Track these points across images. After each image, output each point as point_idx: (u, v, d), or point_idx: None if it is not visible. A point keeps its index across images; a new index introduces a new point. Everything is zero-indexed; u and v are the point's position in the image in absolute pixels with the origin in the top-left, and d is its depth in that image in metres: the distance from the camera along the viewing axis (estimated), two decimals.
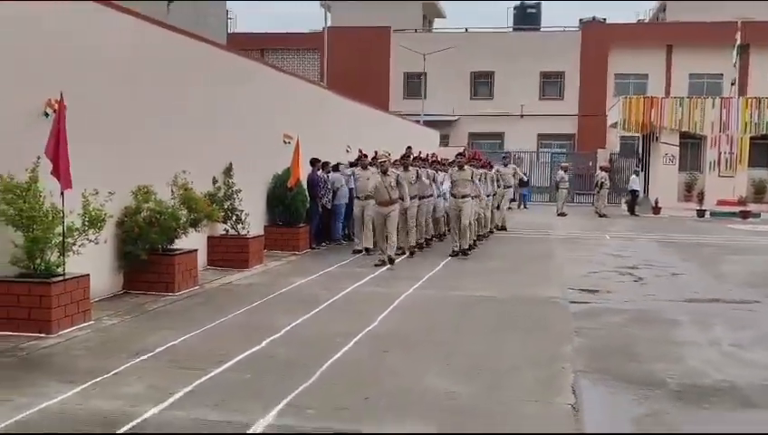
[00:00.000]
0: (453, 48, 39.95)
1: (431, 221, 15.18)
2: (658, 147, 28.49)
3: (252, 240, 11.77)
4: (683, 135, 28.27)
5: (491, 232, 17.49)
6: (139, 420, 4.79)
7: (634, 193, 27.62)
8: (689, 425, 5.03)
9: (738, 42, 29.48)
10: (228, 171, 11.88)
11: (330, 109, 17.59)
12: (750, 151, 27.80)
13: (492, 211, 17.60)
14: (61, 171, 7.19)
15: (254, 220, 12.59)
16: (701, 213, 26.25)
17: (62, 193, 7.26)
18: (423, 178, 13.72)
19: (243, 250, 11.57)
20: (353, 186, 14.40)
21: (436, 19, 50.95)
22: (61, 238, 7.31)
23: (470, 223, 13.87)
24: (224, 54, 12.62)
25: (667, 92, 37.85)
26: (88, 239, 7.70)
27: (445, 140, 38.17)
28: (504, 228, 18.93)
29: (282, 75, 15.46)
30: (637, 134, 32.57)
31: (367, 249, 13.44)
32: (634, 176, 28.49)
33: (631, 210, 27.29)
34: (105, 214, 7.85)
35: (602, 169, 28.44)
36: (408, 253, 13.38)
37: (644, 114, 28.25)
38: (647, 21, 49.13)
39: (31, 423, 4.72)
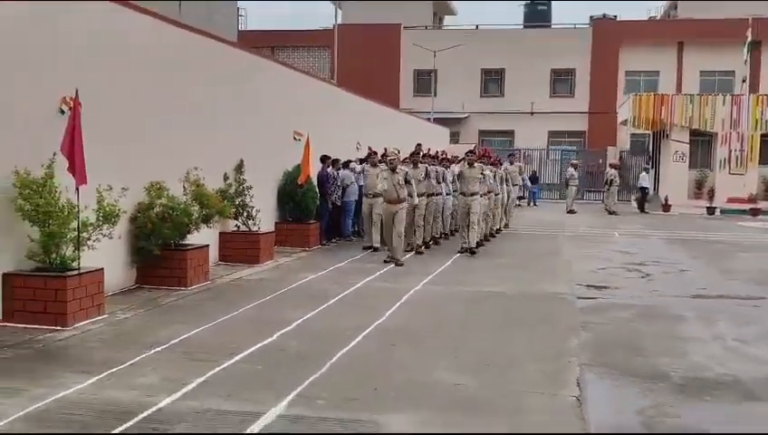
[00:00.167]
0: (463, 45, 40.00)
1: (440, 219, 15.25)
2: (669, 144, 28.48)
3: (263, 236, 11.91)
4: (693, 132, 28.25)
5: (499, 230, 17.55)
6: (153, 410, 4.93)
7: (644, 190, 27.62)
8: (690, 416, 5.12)
9: (749, 39, 29.39)
10: (239, 168, 12.02)
11: (340, 106, 17.72)
12: (761, 149, 27.77)
13: (502, 209, 17.67)
14: (76, 167, 7.33)
15: (265, 217, 12.72)
16: (711, 210, 26.24)
17: (77, 189, 7.39)
18: (431, 177, 13.75)
19: (254, 246, 11.71)
20: (363, 183, 14.51)
21: (446, 16, 50.98)
22: (76, 233, 7.45)
23: (479, 221, 13.92)
24: (235, 52, 12.76)
25: (679, 90, 37.80)
26: (102, 234, 7.84)
27: (455, 138, 38.24)
28: (506, 226, 18.93)
29: (292, 73, 15.59)
30: (647, 131, 32.56)
31: (375, 248, 13.56)
32: (644, 173, 28.49)
33: (641, 208, 27.30)
34: (119, 209, 7.99)
35: (612, 166, 28.48)
36: (415, 250, 13.45)
37: (654, 111, 28.25)
38: (658, 18, 48.97)
39: (49, 412, 4.86)
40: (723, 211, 26.24)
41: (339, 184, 14.59)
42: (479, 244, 14.03)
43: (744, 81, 30.63)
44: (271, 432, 4.39)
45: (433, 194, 14.22)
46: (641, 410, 5.18)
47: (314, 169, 14.08)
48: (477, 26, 44.34)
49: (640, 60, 41.12)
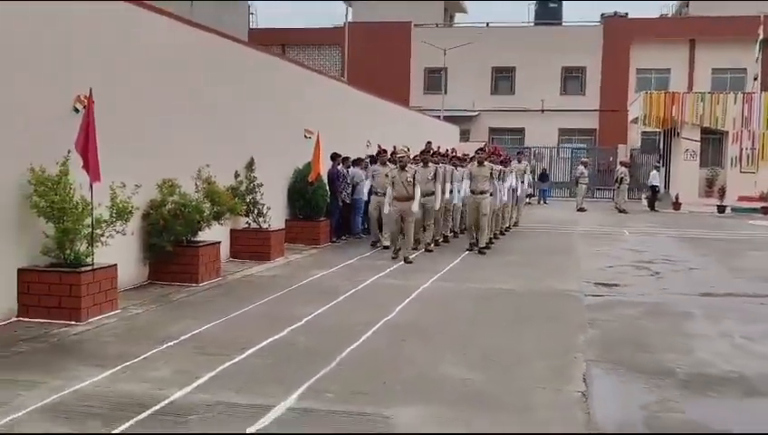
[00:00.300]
0: (474, 43, 39.98)
1: (449, 217, 15.28)
2: (679, 142, 28.43)
3: (273, 233, 12.03)
4: (704, 130, 28.19)
5: (509, 228, 17.59)
6: (165, 403, 5.03)
7: (654, 189, 27.59)
8: (694, 412, 5.17)
9: (761, 36, 29.29)
10: (250, 166, 12.13)
11: (350, 104, 17.81)
12: None
13: (511, 207, 17.71)
14: (90, 165, 7.44)
15: (276, 214, 12.83)
16: (722, 209, 26.17)
17: (90, 186, 7.52)
18: (438, 176, 13.62)
19: (264, 243, 11.82)
20: (372, 181, 14.57)
21: (457, 14, 50.96)
22: (90, 230, 7.57)
23: (489, 219, 13.92)
24: (247, 51, 12.87)
25: (690, 87, 37.68)
26: (115, 231, 7.97)
27: (465, 136, 38.28)
28: (515, 224, 18.92)
29: (303, 71, 15.69)
30: (658, 129, 32.49)
31: (386, 246, 13.58)
32: (654, 171, 28.45)
33: (651, 206, 27.27)
34: (132, 206, 8.11)
35: (622, 164, 28.45)
36: (424, 248, 13.50)
37: (665, 109, 28.20)
38: (670, 16, 48.80)
39: (65, 404, 4.97)
40: (734, 209, 26.17)
41: (348, 182, 14.67)
42: (488, 244, 14.02)
43: (755, 78, 30.56)
44: (269, 432, 4.44)
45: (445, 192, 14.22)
46: (646, 405, 5.24)
47: (325, 166, 14.18)
48: (488, 24, 44.30)
49: (652, 58, 41.00)
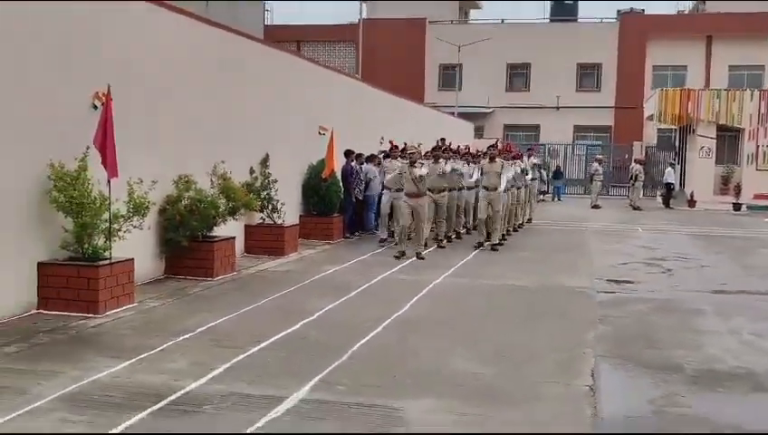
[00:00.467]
0: (489, 40, 39.94)
1: (461, 213, 15.30)
2: (695, 139, 28.29)
3: (287, 229, 12.15)
4: (720, 128, 28.03)
5: (522, 224, 17.63)
6: (181, 393, 5.16)
7: (669, 186, 27.50)
8: (701, 406, 5.24)
9: None
10: (265, 162, 12.26)
11: (364, 101, 17.91)
12: None
13: (524, 203, 17.73)
14: (107, 161, 7.59)
15: (290, 210, 12.96)
16: (737, 207, 26.03)
17: (108, 181, 7.66)
18: (447, 171, 13.64)
19: (278, 238, 11.95)
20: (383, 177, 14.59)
21: (471, 11, 50.90)
22: (107, 224, 7.72)
23: (501, 216, 13.93)
24: (261, 48, 13.00)
25: (707, 84, 37.43)
26: (132, 225, 8.11)
27: (479, 132, 38.28)
28: (529, 220, 18.92)
29: (317, 68, 15.81)
30: (674, 127, 32.35)
31: (395, 242, 13.57)
32: (669, 169, 28.37)
33: (666, 203, 27.18)
34: (148, 202, 8.24)
35: (637, 161, 28.36)
36: (437, 244, 13.53)
37: (680, 106, 28.07)
38: (687, 12, 48.51)
39: (83, 393, 5.11)
40: (749, 207, 26.03)
41: (361, 178, 14.76)
42: (500, 241, 14.04)
43: None
44: (269, 432, 4.50)
45: (454, 189, 14.29)
46: (653, 399, 5.31)
47: (338, 163, 14.28)
48: (503, 20, 44.25)
49: (668, 54, 40.78)
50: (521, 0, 64.22)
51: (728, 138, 28.58)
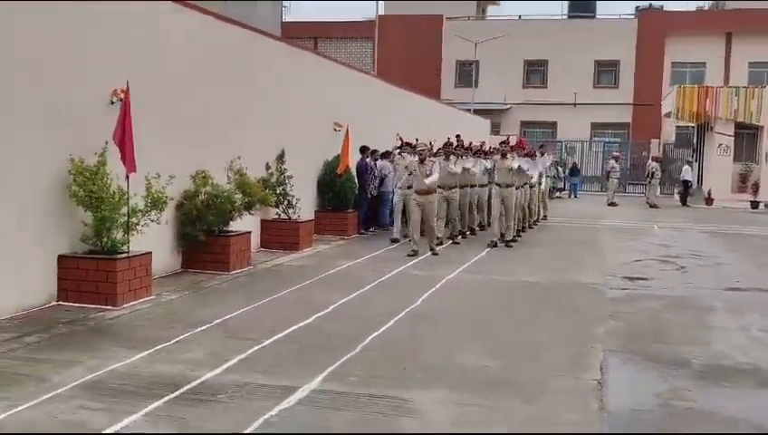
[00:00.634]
0: (506, 36, 39.88)
1: (474, 210, 15.31)
2: (713, 137, 28.15)
3: (302, 224, 12.29)
4: (738, 125, 27.88)
5: (537, 221, 17.65)
6: (197, 383, 5.30)
7: (686, 184, 27.37)
8: (706, 401, 5.30)
9: None
10: (281, 158, 12.39)
11: (380, 97, 18.00)
12: None
13: (538, 200, 17.75)
14: (126, 156, 7.74)
15: (305, 205, 13.09)
16: (755, 205, 25.89)
17: (127, 176, 7.81)
18: (457, 171, 13.62)
19: (293, 233, 12.09)
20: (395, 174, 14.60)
21: (489, 7, 50.82)
22: (126, 218, 7.88)
23: (514, 212, 13.94)
24: (278, 45, 13.13)
25: (726, 81, 37.19)
26: (150, 220, 8.26)
27: (496, 129, 38.26)
28: (544, 217, 18.90)
29: (333, 64, 15.92)
30: (692, 124, 32.18)
31: (410, 240, 13.59)
32: (686, 166, 28.24)
33: (683, 201, 27.06)
34: (166, 196, 8.39)
35: (654, 159, 28.25)
36: (451, 241, 13.57)
37: (698, 104, 27.93)
38: (706, 8, 48.14)
39: (102, 382, 5.26)
40: (767, 205, 25.86)
41: (375, 174, 14.85)
42: (514, 238, 14.06)
43: None
44: (269, 432, 4.53)
45: (467, 185, 14.31)
46: (659, 393, 5.39)
47: (354, 159, 14.39)
48: (520, 17, 44.15)
49: (687, 51, 40.54)
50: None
51: (746, 135, 28.41)
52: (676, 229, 18.22)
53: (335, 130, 14.47)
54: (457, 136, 16.63)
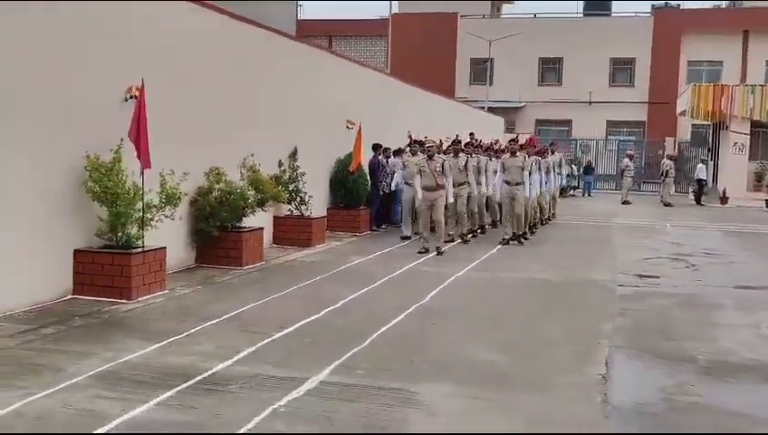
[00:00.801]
0: (521, 34, 39.84)
1: (484, 208, 15.30)
2: (728, 135, 28.00)
3: (314, 221, 12.40)
4: (754, 124, 27.70)
5: (548, 219, 17.66)
6: (208, 374, 5.41)
7: (701, 182, 27.24)
8: (711, 396, 5.35)
9: None
10: (293, 155, 12.51)
11: (392, 95, 18.08)
12: None
13: (550, 199, 17.74)
14: (141, 153, 7.88)
15: (317, 202, 13.21)
16: None
17: (142, 172, 7.95)
18: (469, 167, 13.59)
19: (306, 230, 12.21)
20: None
21: (504, 5, 50.76)
22: (140, 214, 8.02)
23: (524, 210, 13.92)
24: (291, 44, 13.25)
25: (743, 80, 36.97)
26: (165, 215, 8.40)
27: (511, 127, 38.23)
28: (553, 215, 18.82)
29: (346, 62, 16.03)
30: (707, 122, 32.02)
31: (420, 236, 13.61)
32: (701, 165, 28.08)
33: (698, 200, 26.94)
34: (180, 192, 8.53)
35: (669, 157, 28.14)
36: (460, 239, 13.59)
37: (713, 102, 27.79)
38: (723, 6, 47.85)
39: (116, 372, 5.39)
40: None
41: (387, 171, 14.93)
42: (524, 235, 14.04)
43: None
44: (266, 432, 4.51)
45: (477, 183, 14.25)
46: (663, 388, 5.44)
47: (366, 156, 14.48)
48: (535, 15, 44.09)
49: (703, 49, 40.36)
50: None
51: (762, 134, 28.24)
52: (689, 227, 18.18)
53: (348, 127, 14.56)
54: (471, 134, 16.70)
